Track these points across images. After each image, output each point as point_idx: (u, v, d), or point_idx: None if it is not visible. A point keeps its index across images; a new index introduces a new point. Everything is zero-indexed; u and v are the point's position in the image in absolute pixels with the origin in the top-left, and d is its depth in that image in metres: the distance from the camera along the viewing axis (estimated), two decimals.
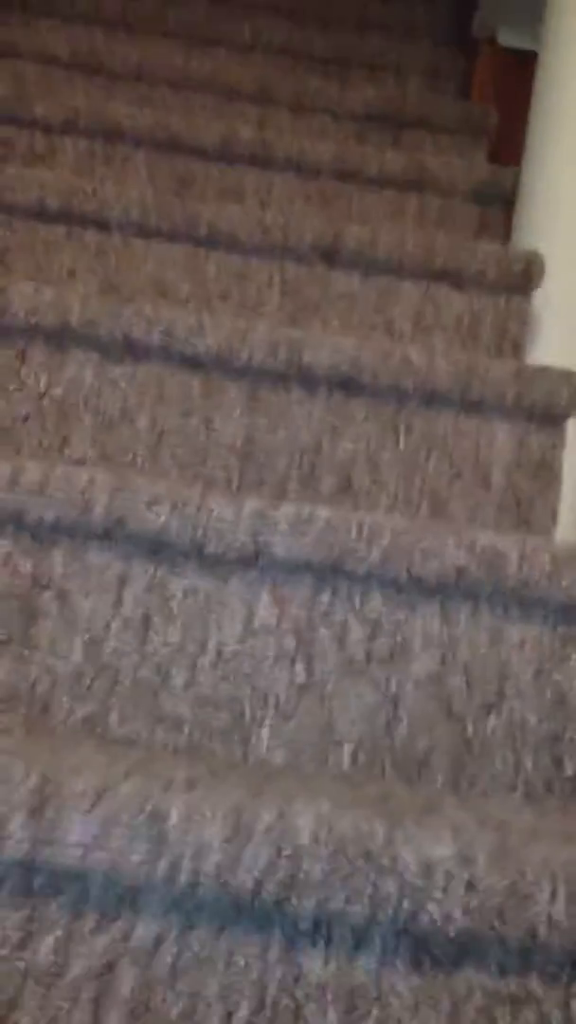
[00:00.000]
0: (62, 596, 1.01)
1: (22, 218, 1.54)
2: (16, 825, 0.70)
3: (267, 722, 0.98)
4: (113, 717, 0.97)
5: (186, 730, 0.96)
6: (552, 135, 1.85)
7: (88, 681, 0.98)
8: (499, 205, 1.99)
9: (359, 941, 0.70)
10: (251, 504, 1.02)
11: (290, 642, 1.01)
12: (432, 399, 1.36)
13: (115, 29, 2.38)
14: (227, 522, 1.00)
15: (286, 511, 1.02)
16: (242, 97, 2.16)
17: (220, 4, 2.61)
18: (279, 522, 1.01)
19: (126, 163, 1.84)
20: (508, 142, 2.21)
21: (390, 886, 0.69)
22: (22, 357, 1.29)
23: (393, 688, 1.02)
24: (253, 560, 1.01)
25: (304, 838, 0.70)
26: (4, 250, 1.52)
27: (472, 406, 1.37)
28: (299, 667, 1.00)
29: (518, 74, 2.26)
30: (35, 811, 0.70)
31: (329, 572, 1.03)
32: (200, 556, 1.01)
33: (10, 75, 2.06)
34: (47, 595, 1.01)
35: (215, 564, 1.01)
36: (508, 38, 2.42)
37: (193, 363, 1.28)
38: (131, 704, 0.97)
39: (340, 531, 1.03)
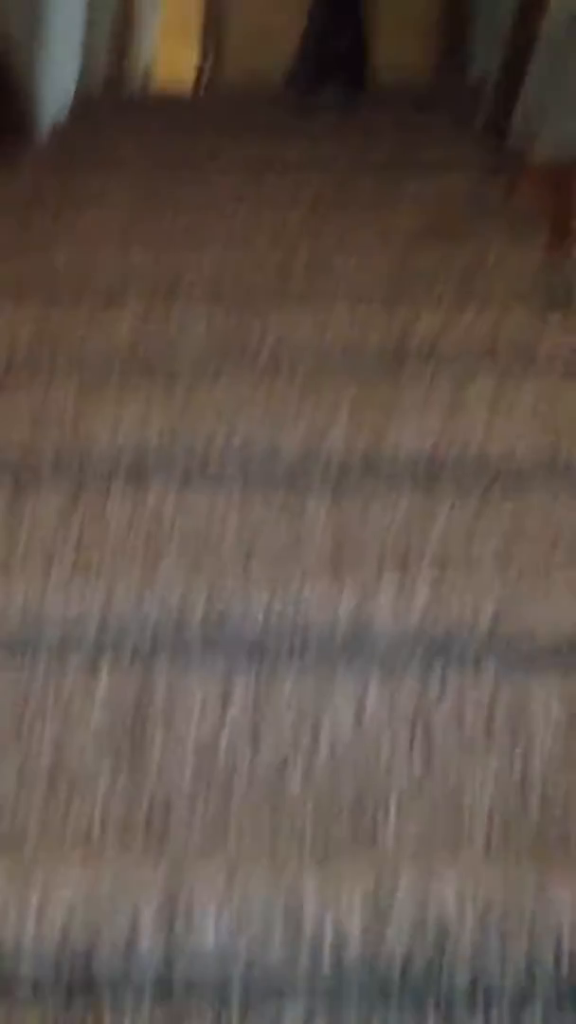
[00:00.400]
0: (168, 714, 0.98)
1: (91, 370, 1.58)
2: (147, 932, 0.67)
3: (392, 815, 0.92)
4: (232, 831, 0.92)
5: (309, 830, 0.91)
6: None
7: (202, 800, 0.94)
8: (561, 291, 1.99)
9: (520, 1001, 0.63)
10: (350, 589, 0.99)
11: (406, 728, 0.96)
12: (519, 478, 1.33)
13: (161, 203, 2.47)
14: (327, 608, 0.97)
15: (386, 591, 0.99)
16: (289, 238, 2.22)
17: (257, 167, 2.71)
18: (380, 603, 0.98)
19: (186, 312, 1.88)
20: (557, 238, 2.23)
21: (546, 949, 0.63)
22: (104, 496, 1.29)
23: (520, 766, 0.96)
24: (357, 647, 0.98)
25: (449, 906, 0.65)
26: (76, 402, 1.54)
27: (562, 478, 1.33)
28: (418, 753, 0.95)
29: (560, 180, 2.30)
30: (166, 917, 0.67)
31: (437, 652, 0.98)
32: (303, 648, 0.98)
33: (68, 250, 2.14)
34: (153, 716, 0.98)
35: (319, 655, 0.98)
36: (546, 151, 2.46)
37: (273, 471, 1.28)
38: (250, 814, 0.93)
39: (444, 605, 0.99)
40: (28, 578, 1.14)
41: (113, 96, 3.41)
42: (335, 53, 3.07)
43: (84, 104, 3.18)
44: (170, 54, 5.16)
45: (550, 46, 2.05)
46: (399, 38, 3.57)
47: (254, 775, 0.94)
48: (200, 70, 5.07)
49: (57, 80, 2.97)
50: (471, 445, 1.33)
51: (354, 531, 1.24)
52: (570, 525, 1.29)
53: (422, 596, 1.01)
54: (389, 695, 0.97)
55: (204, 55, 5.09)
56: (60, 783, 0.95)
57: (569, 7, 1.92)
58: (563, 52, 2.03)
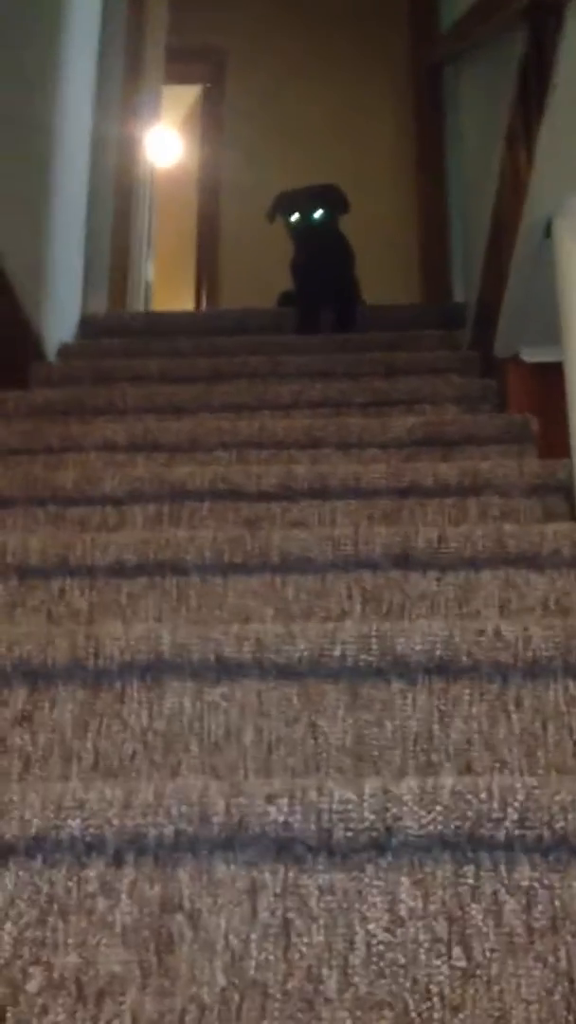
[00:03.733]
0: (194, 917, 0.95)
1: (103, 576, 1.59)
2: None
3: (435, 1017, 0.88)
4: None
5: None
6: None
7: (236, 1003, 0.90)
8: (560, 495, 2.02)
9: None
10: (373, 783, 0.98)
11: (442, 925, 0.93)
12: (536, 670, 1.33)
13: (164, 414, 2.56)
14: (351, 804, 0.96)
15: (410, 784, 0.98)
16: (292, 445, 2.28)
17: (258, 379, 2.81)
18: (404, 796, 0.97)
19: (193, 516, 1.92)
20: (552, 438, 2.28)
21: None
22: (120, 697, 1.29)
23: (564, 962, 0.93)
24: (385, 842, 0.96)
25: None
26: (90, 608, 1.55)
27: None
28: (456, 951, 0.92)
29: (548, 381, 2.36)
30: None
31: (467, 843, 0.97)
32: (329, 847, 0.96)
33: (77, 464, 2.20)
34: (179, 918, 0.95)
35: (347, 853, 0.96)
36: (531, 355, 2.54)
37: (288, 671, 1.28)
38: (286, 1020, 0.89)
39: (470, 797, 0.97)
40: (48, 777, 1.12)
41: (116, 317, 3.56)
42: (322, 305, 3.22)
43: (89, 325, 3.33)
44: (167, 282, 5.44)
45: (522, 266, 2.15)
46: (387, 272, 3.76)
47: (289, 975, 0.91)
48: (197, 295, 5.33)
49: (62, 305, 3.12)
50: (483, 638, 1.33)
51: (374, 734, 1.23)
52: None
53: (447, 784, 0.99)
54: (422, 891, 0.94)
55: (199, 284, 5.36)
56: (88, 988, 0.91)
57: (536, 226, 2.03)
58: (533, 270, 2.13)
